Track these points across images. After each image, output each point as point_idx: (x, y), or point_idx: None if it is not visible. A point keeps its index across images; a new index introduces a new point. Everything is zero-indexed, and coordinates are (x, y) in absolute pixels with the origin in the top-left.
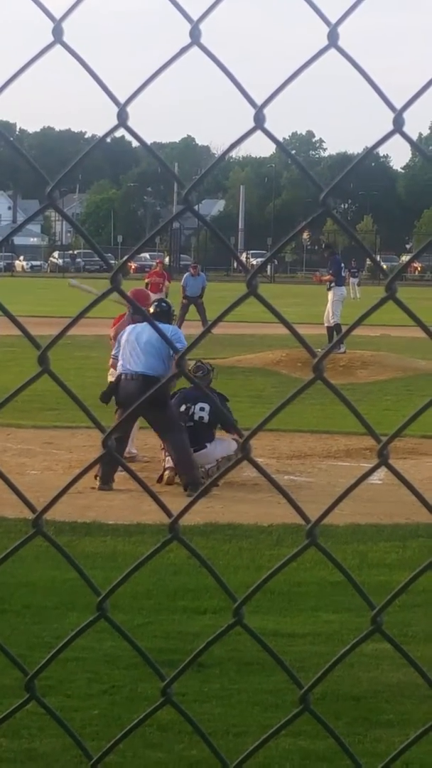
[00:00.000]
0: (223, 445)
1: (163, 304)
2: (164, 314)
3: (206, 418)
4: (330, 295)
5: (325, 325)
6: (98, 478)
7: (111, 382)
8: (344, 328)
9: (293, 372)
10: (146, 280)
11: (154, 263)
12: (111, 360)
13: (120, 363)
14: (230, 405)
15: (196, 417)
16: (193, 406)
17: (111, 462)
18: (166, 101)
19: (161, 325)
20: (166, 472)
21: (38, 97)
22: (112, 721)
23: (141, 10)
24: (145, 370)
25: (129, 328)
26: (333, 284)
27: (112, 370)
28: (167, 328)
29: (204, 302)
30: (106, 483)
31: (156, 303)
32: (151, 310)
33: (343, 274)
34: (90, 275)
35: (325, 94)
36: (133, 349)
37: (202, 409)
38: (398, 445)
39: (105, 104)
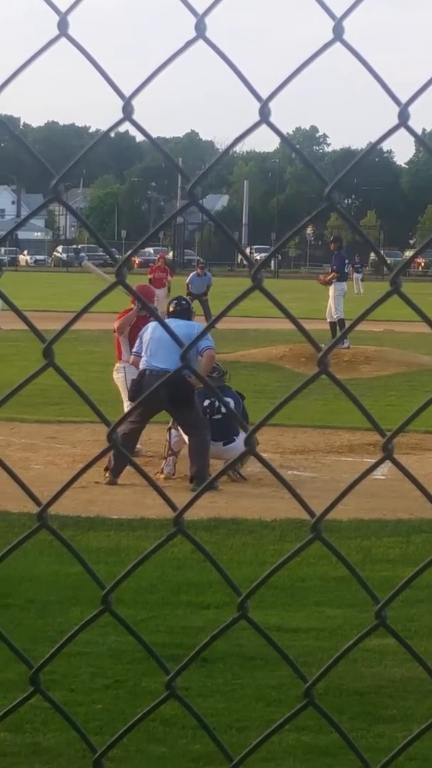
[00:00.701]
0: None
1: (183, 302)
2: (185, 312)
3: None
4: (331, 290)
5: (328, 320)
6: (108, 471)
7: (133, 380)
8: (348, 323)
9: (297, 367)
10: (149, 276)
11: (156, 258)
12: (132, 357)
13: (144, 359)
14: (244, 402)
15: (223, 410)
16: (217, 400)
17: (122, 456)
18: (170, 96)
19: (189, 323)
20: (167, 461)
21: (42, 92)
22: (115, 716)
23: (146, 2)
24: (170, 367)
25: (152, 324)
26: (334, 279)
27: (117, 365)
28: (194, 326)
29: (209, 299)
30: (116, 476)
31: (175, 301)
32: (171, 308)
33: (346, 270)
34: None
35: (330, 88)
36: (158, 345)
37: (228, 402)
38: (402, 441)
39: (110, 98)
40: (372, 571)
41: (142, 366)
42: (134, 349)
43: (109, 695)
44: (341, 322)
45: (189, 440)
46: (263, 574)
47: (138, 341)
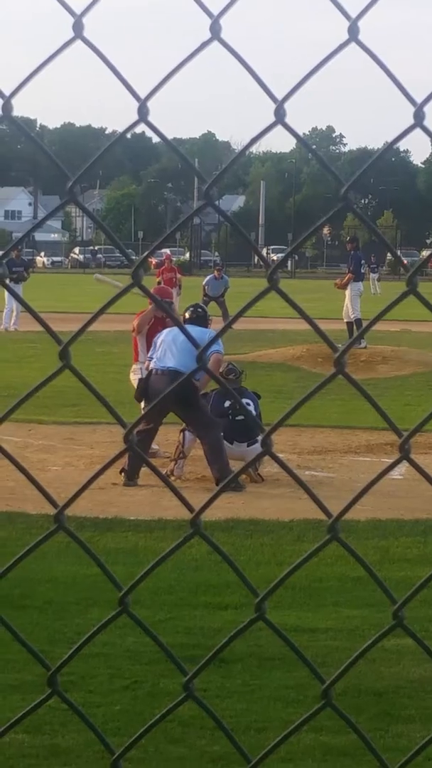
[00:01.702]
0: None
1: (199, 309)
2: (201, 319)
3: (253, 413)
4: (348, 290)
5: (345, 320)
6: (123, 473)
7: (140, 379)
8: (365, 323)
9: (314, 367)
10: (158, 279)
11: (162, 259)
12: (147, 362)
13: (154, 361)
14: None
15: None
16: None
17: (137, 458)
18: (186, 97)
19: (204, 330)
20: (178, 463)
21: (59, 93)
22: (134, 717)
23: (161, 4)
24: (177, 367)
25: (165, 330)
26: (351, 280)
27: (134, 366)
28: (207, 332)
29: (225, 300)
30: (131, 479)
31: (192, 308)
32: (187, 315)
33: (362, 270)
34: (111, 271)
35: (346, 88)
36: (168, 347)
37: (248, 404)
38: (419, 441)
39: (126, 100)
40: (390, 571)
41: (151, 367)
42: (149, 354)
43: (128, 696)
44: (359, 321)
45: (202, 442)
46: (281, 575)
47: (153, 347)
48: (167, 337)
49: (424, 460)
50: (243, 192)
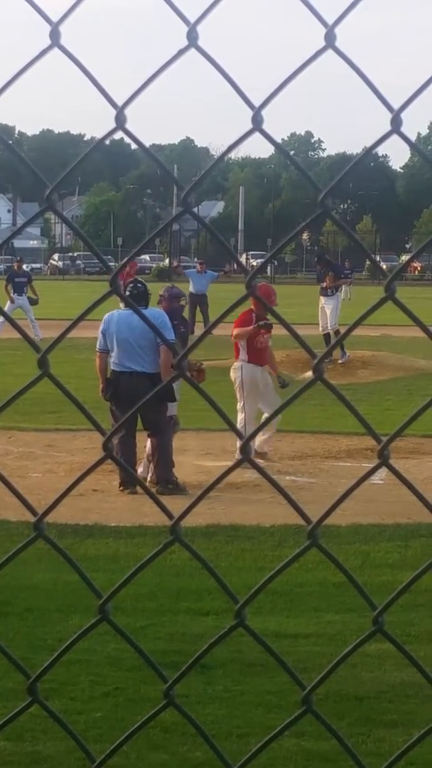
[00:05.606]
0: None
1: (139, 285)
2: (141, 296)
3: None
4: (332, 301)
5: (323, 332)
6: (122, 485)
7: (107, 379)
8: (342, 330)
9: (294, 373)
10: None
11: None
12: (98, 354)
13: (114, 359)
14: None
15: None
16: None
17: (118, 465)
18: (164, 103)
19: (151, 312)
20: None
21: (37, 100)
22: (115, 724)
23: (139, 10)
24: (151, 370)
25: (108, 316)
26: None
27: (235, 363)
28: (153, 314)
29: (209, 305)
30: (128, 486)
31: (131, 284)
32: (127, 292)
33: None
34: (90, 278)
35: (324, 94)
36: (130, 348)
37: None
38: (399, 445)
39: (104, 107)
40: (371, 575)
41: (111, 367)
42: (98, 347)
43: (109, 703)
44: (328, 335)
45: (152, 441)
46: (261, 581)
47: (101, 337)
48: (120, 332)
49: (405, 465)
50: (222, 197)
